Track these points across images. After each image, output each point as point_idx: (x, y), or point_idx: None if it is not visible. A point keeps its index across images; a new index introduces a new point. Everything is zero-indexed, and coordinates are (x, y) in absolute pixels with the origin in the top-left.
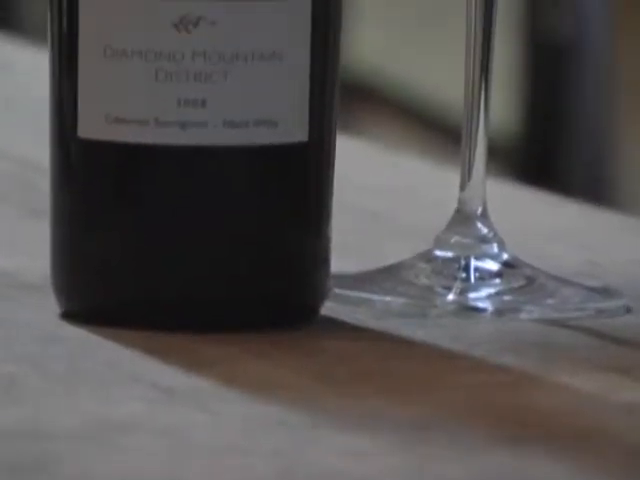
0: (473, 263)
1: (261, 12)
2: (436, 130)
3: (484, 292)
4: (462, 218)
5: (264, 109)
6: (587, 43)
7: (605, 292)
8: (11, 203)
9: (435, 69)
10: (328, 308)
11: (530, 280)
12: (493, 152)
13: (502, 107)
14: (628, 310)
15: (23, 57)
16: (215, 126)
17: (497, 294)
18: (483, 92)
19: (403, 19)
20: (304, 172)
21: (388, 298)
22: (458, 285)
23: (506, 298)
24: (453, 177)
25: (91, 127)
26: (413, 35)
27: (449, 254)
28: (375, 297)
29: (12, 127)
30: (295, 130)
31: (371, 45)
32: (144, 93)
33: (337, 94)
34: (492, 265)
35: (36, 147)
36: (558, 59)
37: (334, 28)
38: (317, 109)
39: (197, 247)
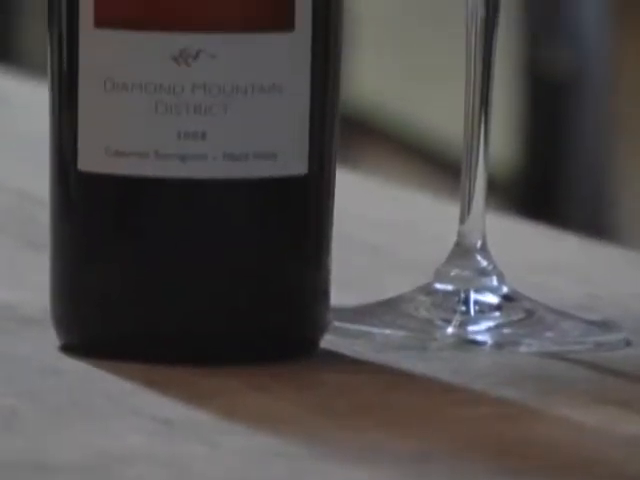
0: (473, 296)
1: (261, 45)
2: (435, 164)
3: (484, 325)
4: (462, 251)
5: (264, 142)
6: (587, 77)
7: (605, 325)
8: (10, 235)
9: (435, 104)
10: (328, 341)
11: (529, 313)
12: (493, 186)
13: (502, 141)
14: (628, 343)
15: (21, 91)
16: (215, 159)
17: (497, 327)
18: (483, 125)
19: (403, 54)
20: (304, 205)
21: (388, 331)
22: (458, 318)
23: (505, 331)
24: (453, 211)
25: (91, 160)
26: (413, 70)
27: (449, 287)
28: (375, 330)
29: (11, 160)
30: (295, 163)
31: (371, 79)
32: (144, 126)
33: (337, 127)
34: (492, 298)
35: (35, 180)
36: (558, 93)
37: (334, 61)
38: (317, 142)
39: (197, 280)
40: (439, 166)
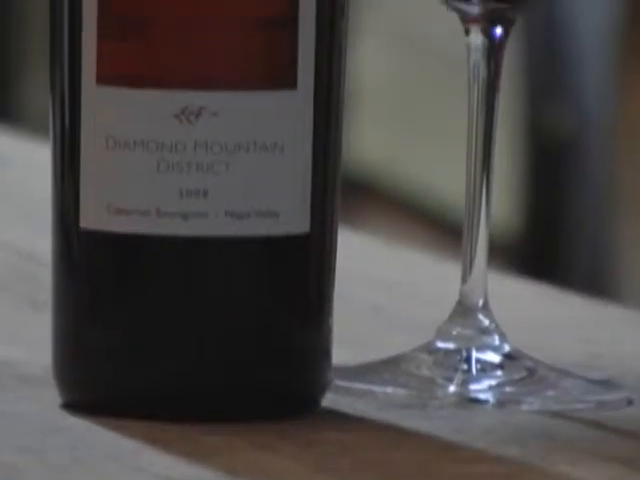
0: (474, 355)
1: (263, 103)
2: (437, 226)
3: (485, 384)
4: (464, 310)
5: (266, 200)
6: (588, 139)
7: (606, 384)
8: (12, 294)
9: (436, 165)
10: (329, 399)
11: (531, 372)
12: (494, 249)
13: (503, 201)
14: (630, 402)
15: (22, 151)
16: (217, 216)
17: (498, 386)
18: (484, 186)
19: (404, 116)
20: (306, 263)
21: (389, 389)
22: (459, 376)
23: (507, 390)
24: (454, 271)
25: (93, 218)
26: (414, 131)
27: (450, 345)
28: (376, 388)
29: (12, 219)
30: (297, 221)
31: (372, 141)
32: (146, 184)
33: (339, 186)
34: (493, 357)
35: (36, 239)
36: (559, 154)
37: (336, 120)
38: (319, 200)
39: (198, 338)
40: (440, 227)
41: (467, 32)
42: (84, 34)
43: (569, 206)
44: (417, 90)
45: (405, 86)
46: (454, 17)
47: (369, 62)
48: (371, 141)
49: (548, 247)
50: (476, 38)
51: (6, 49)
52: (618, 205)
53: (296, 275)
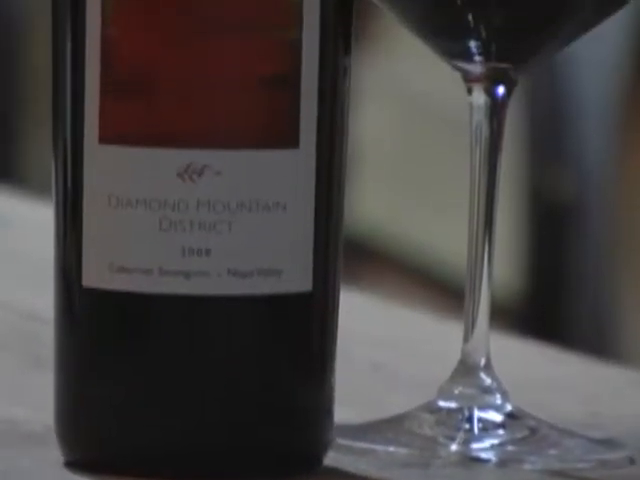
0: (476, 414)
1: (266, 162)
2: (438, 287)
3: (487, 442)
4: (466, 369)
5: (268, 259)
6: (589, 201)
7: (608, 444)
8: (13, 353)
9: (438, 227)
10: (331, 458)
11: (533, 431)
12: (496, 309)
13: (505, 262)
14: (632, 462)
15: (23, 210)
16: (219, 275)
17: (500, 445)
18: (487, 245)
19: (406, 177)
20: (308, 322)
21: (391, 448)
22: (461, 435)
23: (509, 448)
24: (455, 330)
25: (95, 276)
26: (416, 193)
27: (452, 404)
28: (378, 447)
29: (14, 279)
30: (299, 280)
31: (374, 203)
32: (148, 242)
33: (341, 244)
34: (495, 416)
35: (38, 299)
36: (560, 219)
37: (338, 179)
38: (321, 259)
39: (200, 396)
40: (441, 288)
41: (469, 91)
42: (87, 93)
43: (570, 267)
44: (419, 151)
45: (407, 147)
46: (456, 77)
47: (370, 123)
48: (373, 201)
49: (550, 307)
50: (478, 97)
51: (9, 109)
52: (619, 266)
53: (298, 333)
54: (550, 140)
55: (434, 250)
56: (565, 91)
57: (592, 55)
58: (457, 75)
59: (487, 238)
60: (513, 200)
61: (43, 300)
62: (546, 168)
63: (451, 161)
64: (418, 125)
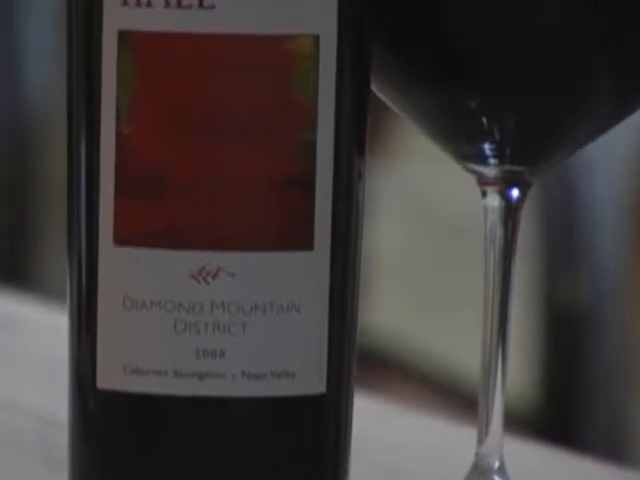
0: None
1: (280, 264)
2: (451, 395)
3: None
4: (479, 472)
5: (282, 360)
6: (604, 310)
7: None
8: (28, 457)
9: (452, 335)
10: None
11: None
12: (509, 416)
13: (519, 370)
14: None
15: (37, 315)
16: (233, 377)
17: None
18: (500, 350)
19: (419, 285)
20: (322, 424)
21: None
22: None
23: None
24: (468, 435)
25: (110, 378)
26: (429, 301)
27: None
28: None
29: (28, 383)
30: (313, 382)
31: (387, 310)
32: (162, 344)
33: (355, 347)
34: None
35: (53, 402)
36: (574, 326)
37: (352, 281)
38: (335, 361)
39: None
40: (455, 396)
41: (484, 194)
42: (101, 195)
43: (586, 373)
44: (433, 259)
45: (421, 255)
46: (470, 185)
47: (385, 231)
48: (388, 309)
49: (564, 413)
50: (493, 200)
51: (23, 215)
52: (635, 373)
53: (312, 435)
54: (564, 247)
55: (448, 358)
56: (579, 196)
57: (605, 155)
58: (471, 183)
59: (501, 339)
60: (527, 308)
61: (58, 402)
62: (560, 276)
63: (466, 270)
64: (433, 234)
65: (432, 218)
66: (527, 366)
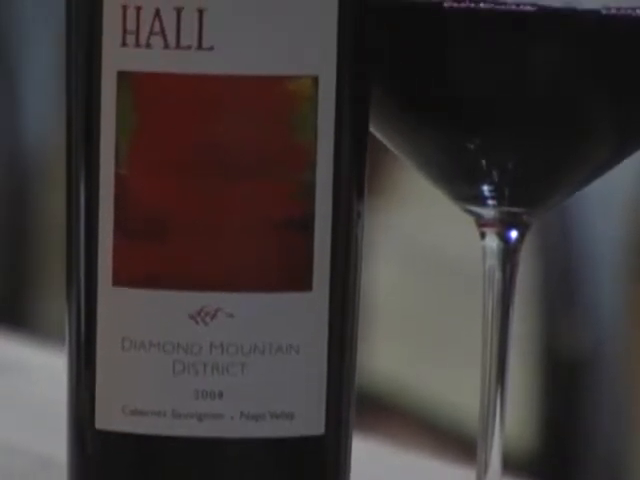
0: None
1: (279, 304)
2: (449, 439)
3: None
4: None
5: (281, 401)
6: (603, 357)
7: None
8: None
9: (450, 381)
10: None
11: None
12: (508, 461)
13: (517, 417)
14: None
15: (37, 357)
16: (232, 418)
17: None
18: (499, 394)
19: (417, 330)
20: (320, 465)
21: None
22: None
23: None
24: (469, 478)
25: (108, 418)
26: (427, 346)
27: None
28: None
29: (27, 425)
30: (312, 423)
31: (385, 355)
32: (161, 385)
33: (354, 388)
34: None
35: (52, 444)
36: (574, 374)
37: (351, 322)
38: (334, 402)
39: None
40: (454, 437)
41: (482, 236)
42: (100, 236)
43: (584, 417)
44: (431, 303)
45: (419, 299)
46: (469, 229)
47: (383, 275)
48: (384, 352)
49: (563, 456)
50: (491, 242)
51: (23, 257)
52: (634, 422)
53: (311, 477)
54: (563, 296)
55: (447, 401)
56: (577, 244)
57: (604, 196)
58: (470, 225)
59: (500, 382)
60: (526, 355)
61: (56, 443)
62: (559, 321)
63: (464, 313)
64: (431, 276)
65: (431, 260)
66: (526, 409)
